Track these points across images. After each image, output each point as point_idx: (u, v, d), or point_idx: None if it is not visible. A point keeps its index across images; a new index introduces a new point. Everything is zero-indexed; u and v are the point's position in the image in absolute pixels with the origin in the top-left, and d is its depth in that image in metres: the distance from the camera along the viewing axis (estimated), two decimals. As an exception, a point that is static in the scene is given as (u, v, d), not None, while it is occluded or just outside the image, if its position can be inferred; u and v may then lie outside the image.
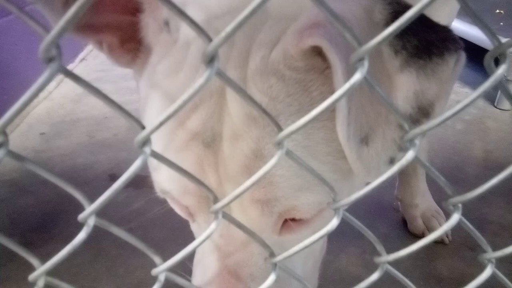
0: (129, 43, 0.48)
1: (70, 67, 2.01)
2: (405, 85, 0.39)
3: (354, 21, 0.37)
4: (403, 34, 0.39)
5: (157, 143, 0.43)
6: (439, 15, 0.41)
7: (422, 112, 0.39)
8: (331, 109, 0.29)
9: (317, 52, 0.38)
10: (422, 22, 0.39)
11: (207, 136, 0.41)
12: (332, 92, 0.38)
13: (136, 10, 0.46)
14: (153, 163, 0.45)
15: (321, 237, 0.35)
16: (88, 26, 0.43)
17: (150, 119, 0.47)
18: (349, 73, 0.34)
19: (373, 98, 0.38)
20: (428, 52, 0.39)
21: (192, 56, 0.43)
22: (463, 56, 0.41)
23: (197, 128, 0.41)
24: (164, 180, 0.46)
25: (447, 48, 0.39)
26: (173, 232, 1.04)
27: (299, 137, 0.40)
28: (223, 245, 0.47)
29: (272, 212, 0.43)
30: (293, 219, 0.46)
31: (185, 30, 0.44)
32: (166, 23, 0.44)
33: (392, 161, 0.40)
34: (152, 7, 0.45)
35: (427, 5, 0.24)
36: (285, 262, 0.39)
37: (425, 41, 0.39)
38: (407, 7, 0.38)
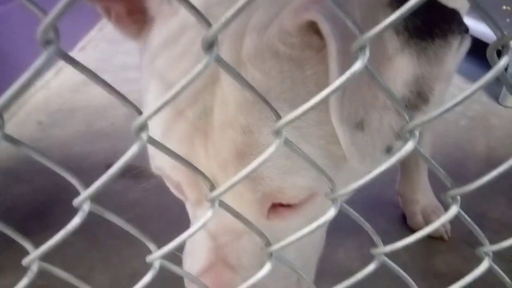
0: (136, 14, 0.48)
1: (68, 56, 1.99)
2: (405, 68, 0.37)
3: (355, 0, 0.36)
4: None
5: (154, 127, 0.43)
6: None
7: (421, 97, 0.38)
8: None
9: (315, 29, 0.37)
10: (427, 2, 0.38)
11: (198, 109, 0.41)
12: (326, 71, 0.36)
13: None
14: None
15: (318, 227, 0.34)
16: None
17: (149, 100, 0.46)
18: (345, 53, 0.32)
19: (371, 80, 0.37)
20: (431, 33, 0.37)
21: (191, 27, 0.42)
22: (467, 39, 0.39)
23: (188, 100, 0.41)
24: (156, 155, 0.46)
25: (451, 30, 0.38)
26: (169, 224, 1.04)
27: None
28: (216, 233, 0.47)
29: (257, 190, 0.42)
30: (281, 204, 0.45)
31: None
32: None
33: (389, 150, 0.38)
34: None
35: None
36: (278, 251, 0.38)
37: (429, 22, 0.37)
38: None
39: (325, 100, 0.36)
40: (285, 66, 0.39)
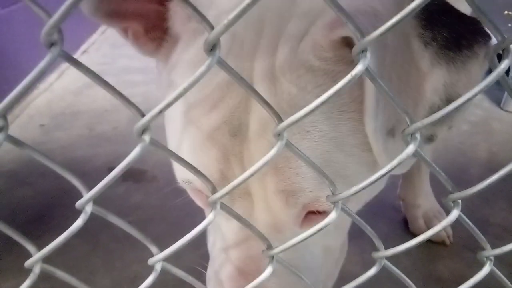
0: (154, 32, 0.48)
1: (71, 60, 2.00)
2: (435, 77, 0.39)
3: (386, 13, 0.37)
4: (433, 26, 0.39)
5: (187, 145, 0.43)
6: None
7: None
8: (331, 99, 0.29)
9: (346, 43, 0.38)
10: (452, 14, 0.39)
11: (233, 126, 0.41)
12: (360, 83, 0.38)
13: None
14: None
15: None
16: (115, 13, 0.43)
17: (169, 112, 0.46)
18: (379, 66, 0.34)
19: (400, 89, 0.38)
20: (458, 44, 0.38)
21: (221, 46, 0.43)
22: (492, 49, 0.41)
23: (224, 118, 0.41)
24: (186, 170, 0.46)
25: (477, 41, 0.39)
26: (171, 226, 1.04)
27: (325, 128, 0.40)
28: (241, 239, 0.47)
29: (297, 203, 0.43)
30: (316, 211, 0.46)
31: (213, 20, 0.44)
32: None
33: (415, 154, 0.40)
34: None
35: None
36: (305, 259, 0.38)
37: (455, 33, 0.39)
38: None
39: (359, 110, 0.38)
40: (320, 80, 0.40)
